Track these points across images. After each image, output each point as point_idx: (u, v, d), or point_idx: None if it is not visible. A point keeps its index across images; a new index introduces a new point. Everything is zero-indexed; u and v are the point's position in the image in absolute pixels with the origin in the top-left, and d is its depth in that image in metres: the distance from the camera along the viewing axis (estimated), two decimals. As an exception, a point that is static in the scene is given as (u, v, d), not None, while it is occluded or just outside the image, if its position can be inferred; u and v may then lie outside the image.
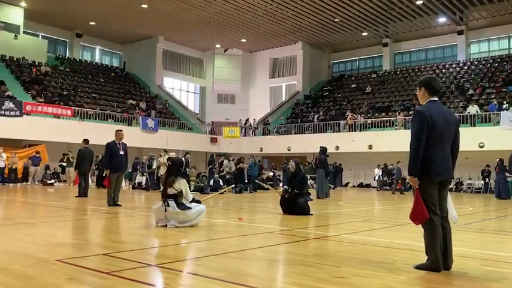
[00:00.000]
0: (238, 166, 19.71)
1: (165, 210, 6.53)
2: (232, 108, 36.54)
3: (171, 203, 6.54)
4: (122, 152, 10.22)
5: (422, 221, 3.84)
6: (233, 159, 20.72)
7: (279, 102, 35.34)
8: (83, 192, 12.50)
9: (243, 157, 20.84)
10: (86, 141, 13.15)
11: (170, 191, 6.62)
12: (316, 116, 28.76)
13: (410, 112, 25.63)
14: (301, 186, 9.31)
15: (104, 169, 10.38)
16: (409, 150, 3.90)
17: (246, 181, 19.34)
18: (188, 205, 6.68)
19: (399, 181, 21.19)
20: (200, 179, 18.51)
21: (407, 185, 20.86)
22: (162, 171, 15.19)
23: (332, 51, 36.42)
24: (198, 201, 6.94)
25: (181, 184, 6.68)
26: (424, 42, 32.30)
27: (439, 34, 31.25)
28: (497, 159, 17.38)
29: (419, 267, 3.91)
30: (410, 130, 4.01)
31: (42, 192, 15.40)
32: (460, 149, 4.13)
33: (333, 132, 26.44)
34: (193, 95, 37.85)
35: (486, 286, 3.53)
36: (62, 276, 3.44)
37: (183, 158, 9.58)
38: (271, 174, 24.41)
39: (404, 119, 24.52)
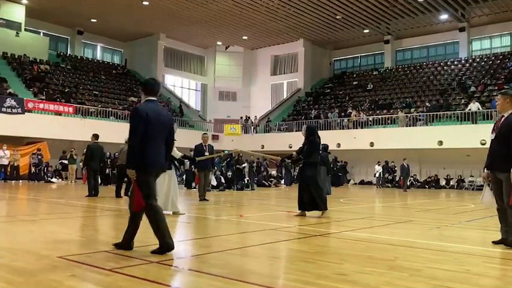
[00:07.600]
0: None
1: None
2: (234, 106, 36.48)
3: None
4: (207, 153, 11.53)
5: (140, 208, 4.22)
6: (235, 157, 20.67)
7: (280, 99, 35.33)
8: (93, 191, 11.76)
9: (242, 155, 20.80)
10: (95, 136, 12.32)
11: None
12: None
13: (412, 109, 25.66)
14: (307, 152, 8.03)
15: (194, 168, 11.80)
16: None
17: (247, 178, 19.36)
18: (172, 170, 7.75)
19: (405, 178, 20.81)
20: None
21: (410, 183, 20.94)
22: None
23: (333, 49, 36.35)
24: (193, 160, 9.03)
25: None
26: (426, 39, 32.21)
27: (440, 31, 31.16)
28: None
29: (154, 252, 4.17)
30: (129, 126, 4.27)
31: (44, 190, 15.42)
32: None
33: (335, 129, 26.38)
34: (195, 92, 37.82)
35: (488, 283, 3.52)
36: (64, 273, 3.44)
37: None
38: (273, 172, 24.31)
39: (406, 116, 24.51)
